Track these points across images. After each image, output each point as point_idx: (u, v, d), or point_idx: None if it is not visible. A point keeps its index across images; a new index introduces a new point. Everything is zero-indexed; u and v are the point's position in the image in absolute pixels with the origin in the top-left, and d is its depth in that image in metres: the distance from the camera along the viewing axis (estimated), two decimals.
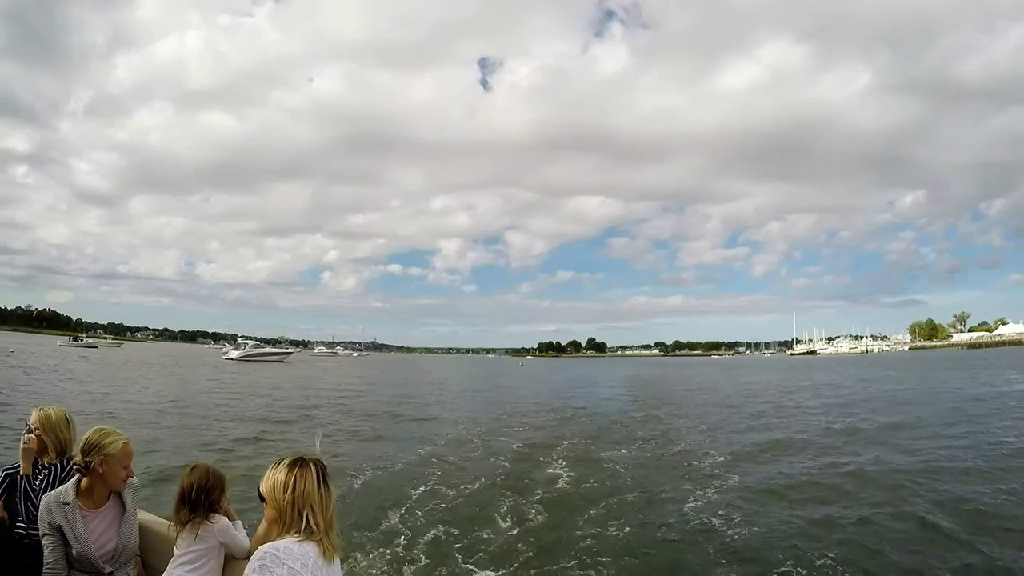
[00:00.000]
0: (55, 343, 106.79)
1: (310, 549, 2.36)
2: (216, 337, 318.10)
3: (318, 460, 2.54)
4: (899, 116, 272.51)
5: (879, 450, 15.75)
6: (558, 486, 12.68)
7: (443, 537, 9.48)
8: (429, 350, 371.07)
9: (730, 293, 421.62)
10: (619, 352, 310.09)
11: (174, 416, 22.13)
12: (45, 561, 3.09)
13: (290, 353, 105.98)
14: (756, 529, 9.58)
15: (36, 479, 3.59)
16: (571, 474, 13.68)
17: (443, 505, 11.15)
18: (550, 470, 14.21)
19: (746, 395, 36.33)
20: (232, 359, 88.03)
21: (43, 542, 3.11)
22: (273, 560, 2.26)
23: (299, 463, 2.49)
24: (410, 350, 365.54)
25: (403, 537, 9.26)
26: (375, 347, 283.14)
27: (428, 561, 8.35)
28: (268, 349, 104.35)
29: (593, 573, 8.07)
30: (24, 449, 3.60)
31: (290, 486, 2.41)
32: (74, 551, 3.09)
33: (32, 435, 3.59)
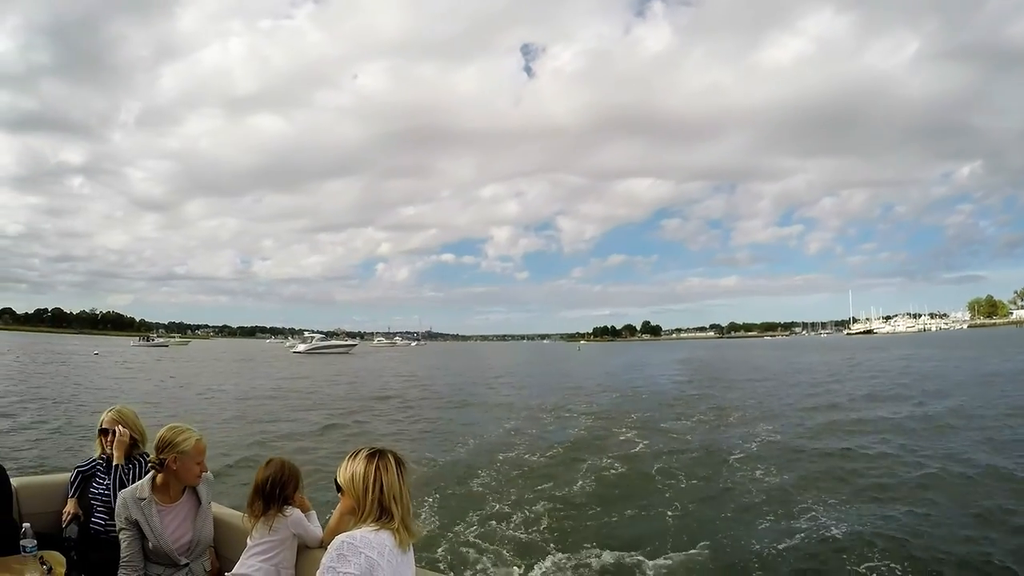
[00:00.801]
0: (128, 343, 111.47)
1: (386, 538, 2.41)
2: (274, 332, 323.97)
3: (395, 451, 2.61)
4: (951, 83, 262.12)
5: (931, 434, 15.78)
6: (631, 451, 14.17)
7: (531, 501, 10.54)
8: (484, 338, 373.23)
9: (785, 273, 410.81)
10: (674, 335, 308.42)
11: (267, 405, 24.36)
12: (122, 555, 3.20)
13: (355, 344, 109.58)
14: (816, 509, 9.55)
15: (124, 474, 3.80)
16: (640, 442, 15.20)
17: (526, 474, 12.17)
18: (621, 438, 15.85)
19: (797, 374, 37.02)
20: (300, 352, 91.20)
21: (120, 536, 3.22)
22: (351, 549, 2.32)
23: (378, 454, 2.54)
24: (465, 338, 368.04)
25: (492, 498, 10.25)
26: (430, 336, 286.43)
27: (520, 524, 9.02)
28: (334, 341, 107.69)
29: (669, 519, 9.34)
30: (119, 442, 3.80)
31: (370, 477, 2.47)
32: (151, 544, 3.21)
33: (126, 429, 3.82)
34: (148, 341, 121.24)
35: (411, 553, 2.53)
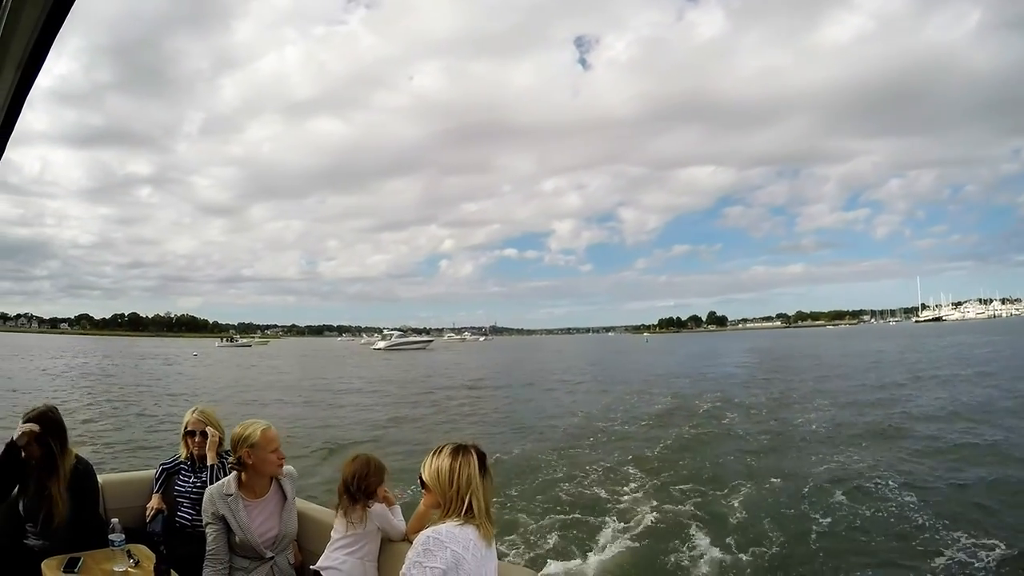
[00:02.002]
0: (213, 344, 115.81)
1: (470, 532, 2.44)
2: (341, 330, 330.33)
3: (478, 447, 2.64)
4: (1016, 54, 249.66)
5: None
6: (717, 440, 15.37)
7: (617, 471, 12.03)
8: (549, 331, 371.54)
9: (852, 259, 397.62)
10: (740, 325, 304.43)
11: (373, 396, 27.25)
12: (208, 548, 3.31)
13: (431, 340, 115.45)
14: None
15: (202, 472, 3.99)
16: (722, 429, 16.73)
17: (613, 447, 13.41)
18: (701, 426, 17.41)
19: (857, 364, 36.85)
20: (380, 348, 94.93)
21: (206, 530, 3.33)
22: (436, 544, 2.36)
23: (461, 450, 2.58)
24: (529, 332, 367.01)
25: (571, 488, 10.64)
26: (495, 331, 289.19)
27: (594, 512, 9.32)
28: (412, 338, 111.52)
29: (747, 488, 10.31)
30: (211, 443, 4.00)
31: (453, 472, 2.51)
32: (237, 539, 3.31)
33: (215, 430, 4.02)
34: (232, 342, 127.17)
35: (494, 546, 2.58)
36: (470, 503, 2.47)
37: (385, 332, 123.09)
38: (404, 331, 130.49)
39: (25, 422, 3.60)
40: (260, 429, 3.32)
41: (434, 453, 2.60)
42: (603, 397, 24.76)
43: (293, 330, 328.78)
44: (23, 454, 3.62)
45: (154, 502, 4.10)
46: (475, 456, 2.56)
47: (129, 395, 26.54)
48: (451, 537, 2.38)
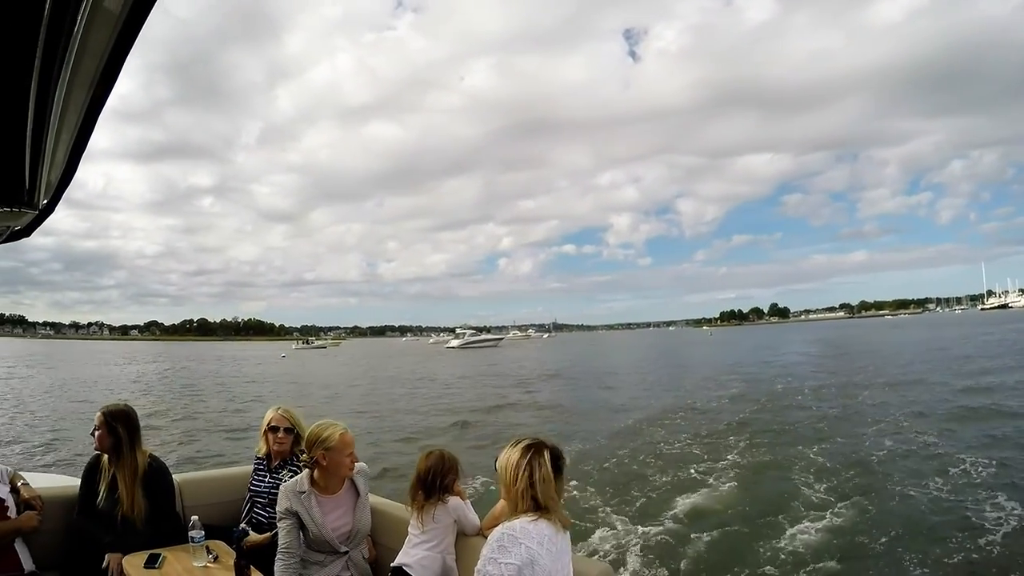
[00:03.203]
0: (291, 347, 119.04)
1: (544, 527, 2.44)
2: (403, 330, 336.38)
3: (553, 445, 2.61)
4: None
5: None
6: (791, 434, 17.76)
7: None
8: (609, 327, 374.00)
9: (915, 244, 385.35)
10: (802, 316, 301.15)
11: (467, 390, 29.31)
12: (280, 543, 3.41)
13: (501, 339, 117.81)
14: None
15: (279, 471, 4.08)
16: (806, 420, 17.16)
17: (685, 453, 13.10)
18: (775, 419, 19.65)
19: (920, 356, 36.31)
20: (454, 347, 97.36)
21: (279, 525, 3.43)
22: (511, 540, 2.38)
23: (533, 447, 2.56)
24: (590, 328, 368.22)
25: (642, 481, 10.75)
26: (556, 327, 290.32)
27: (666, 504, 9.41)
28: (484, 336, 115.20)
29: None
30: (281, 443, 4.10)
31: (521, 468, 2.51)
32: (311, 534, 3.40)
33: (291, 427, 4.12)
34: (308, 344, 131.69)
35: (568, 536, 2.59)
36: (537, 501, 2.47)
37: (458, 331, 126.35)
38: (477, 330, 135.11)
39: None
40: (338, 432, 3.38)
41: (509, 446, 2.61)
42: (679, 386, 26.82)
43: (355, 331, 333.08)
44: (97, 447, 3.80)
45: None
46: (547, 452, 2.54)
47: (249, 393, 29.66)
48: (525, 533, 2.40)
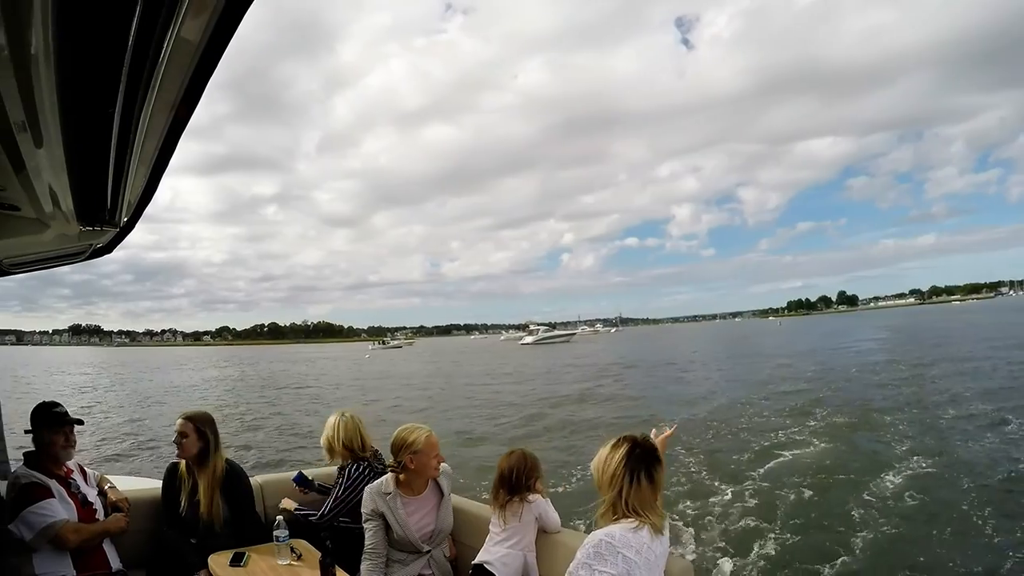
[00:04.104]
0: (368, 347, 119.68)
1: (644, 535, 2.33)
2: (468, 328, 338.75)
3: (648, 442, 2.49)
4: None
5: None
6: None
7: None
8: (674, 319, 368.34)
9: (986, 225, 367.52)
10: (871, 304, 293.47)
11: (562, 383, 30.32)
12: (366, 543, 3.46)
13: (574, 334, 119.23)
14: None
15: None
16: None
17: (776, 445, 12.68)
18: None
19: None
20: (528, 343, 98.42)
21: (365, 526, 3.49)
22: (609, 549, 2.28)
23: (628, 447, 2.44)
24: (655, 322, 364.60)
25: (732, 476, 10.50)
26: (621, 322, 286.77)
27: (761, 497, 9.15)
28: (556, 332, 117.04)
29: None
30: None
31: (620, 471, 2.40)
32: (395, 534, 3.44)
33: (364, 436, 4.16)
34: (384, 344, 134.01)
35: (665, 541, 2.48)
36: (636, 504, 2.37)
37: (531, 327, 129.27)
38: (550, 326, 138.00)
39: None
40: (424, 435, 3.43)
41: (602, 447, 2.52)
42: (758, 371, 28.05)
43: (421, 331, 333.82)
44: (179, 453, 3.85)
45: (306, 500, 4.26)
46: (642, 451, 2.43)
47: (373, 390, 31.36)
48: (625, 542, 2.29)
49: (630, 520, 2.36)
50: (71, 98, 1.33)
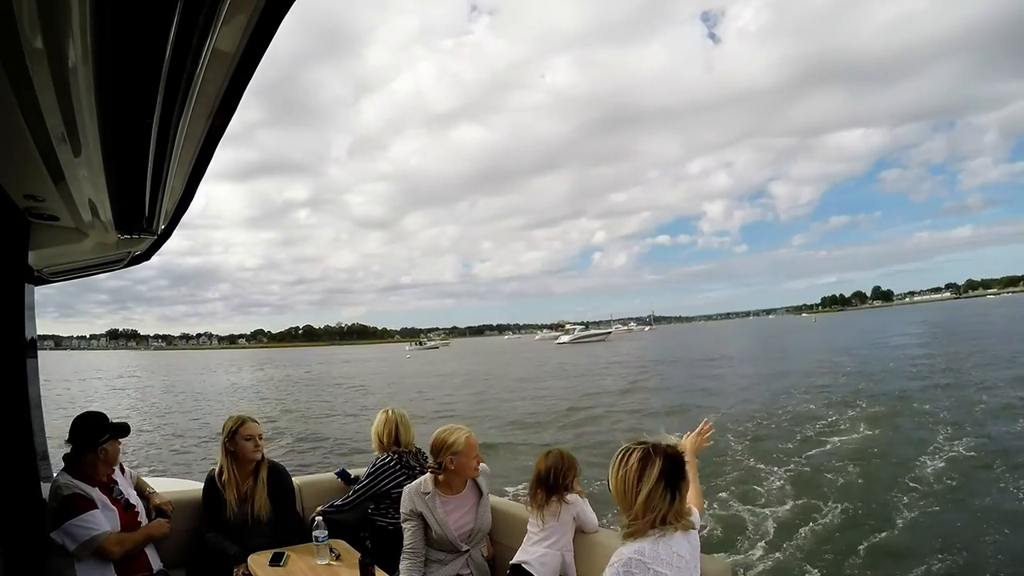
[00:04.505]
0: (404, 348, 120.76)
1: (675, 543, 2.22)
2: (501, 328, 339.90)
3: (667, 446, 2.31)
4: None
5: None
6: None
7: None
8: (708, 317, 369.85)
9: (1022, 215, 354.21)
10: (906, 299, 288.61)
11: (604, 378, 31.80)
12: (405, 543, 3.47)
13: (609, 332, 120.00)
14: None
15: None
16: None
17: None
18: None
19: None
20: (564, 342, 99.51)
21: (404, 526, 3.50)
22: (640, 567, 2.17)
23: (645, 455, 2.25)
24: (688, 319, 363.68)
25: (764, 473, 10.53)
26: (654, 320, 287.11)
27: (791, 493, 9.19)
28: (592, 331, 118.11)
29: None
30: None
31: (638, 482, 2.23)
32: (434, 534, 3.46)
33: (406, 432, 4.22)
34: (422, 345, 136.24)
35: (694, 537, 2.36)
36: (660, 514, 2.20)
37: (567, 326, 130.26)
38: (585, 325, 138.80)
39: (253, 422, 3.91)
40: (464, 436, 3.45)
41: (620, 459, 2.30)
42: (795, 366, 28.48)
43: (454, 331, 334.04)
44: (255, 457, 3.88)
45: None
46: (661, 458, 2.23)
47: (425, 387, 31.93)
48: (655, 558, 2.18)
49: (656, 531, 2.23)
50: (109, 108, 1.39)
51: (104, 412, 3.59)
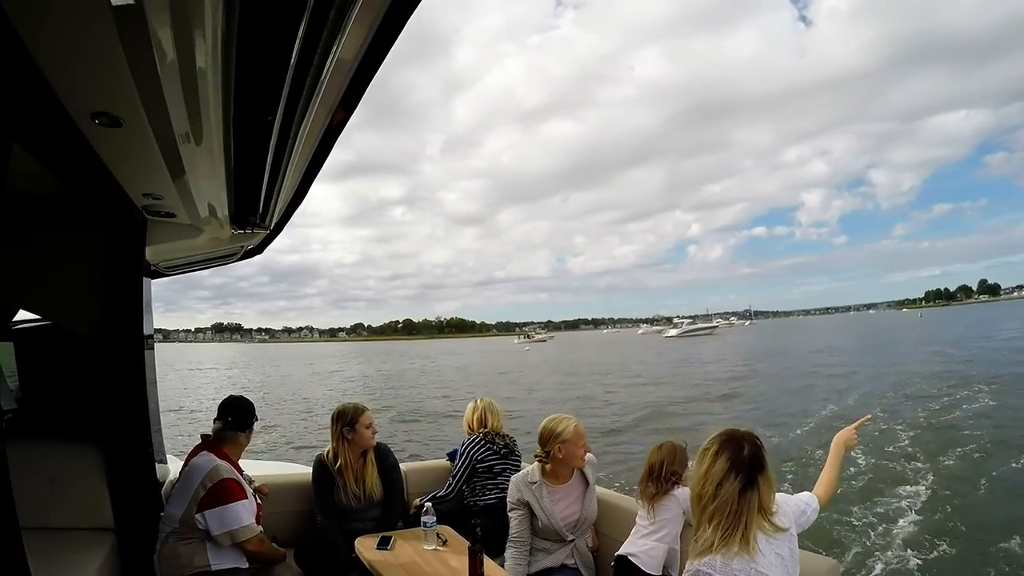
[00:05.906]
0: (508, 341, 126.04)
1: (753, 557, 1.95)
2: (596, 323, 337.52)
3: (752, 441, 2.05)
4: None
5: None
6: None
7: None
8: (806, 312, 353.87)
9: None
10: (1014, 293, 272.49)
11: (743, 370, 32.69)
12: (511, 532, 3.49)
13: (716, 327, 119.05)
14: None
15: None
16: None
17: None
18: None
19: None
20: (672, 336, 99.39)
21: (510, 515, 3.52)
22: None
23: (725, 451, 2.03)
24: (786, 314, 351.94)
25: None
26: (752, 315, 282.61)
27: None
28: (699, 325, 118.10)
29: None
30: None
31: (714, 482, 2.01)
32: (540, 523, 3.46)
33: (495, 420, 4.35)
34: (529, 338, 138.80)
35: (784, 542, 2.06)
36: (736, 517, 1.95)
37: (675, 320, 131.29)
38: (693, 318, 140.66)
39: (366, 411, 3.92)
40: (572, 426, 3.44)
41: (699, 455, 2.07)
42: (914, 363, 28.35)
43: (549, 325, 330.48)
44: (367, 443, 3.93)
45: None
46: (746, 454, 1.99)
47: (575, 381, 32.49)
48: (727, 572, 1.94)
49: (733, 544, 1.96)
50: (234, 109, 1.42)
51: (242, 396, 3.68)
